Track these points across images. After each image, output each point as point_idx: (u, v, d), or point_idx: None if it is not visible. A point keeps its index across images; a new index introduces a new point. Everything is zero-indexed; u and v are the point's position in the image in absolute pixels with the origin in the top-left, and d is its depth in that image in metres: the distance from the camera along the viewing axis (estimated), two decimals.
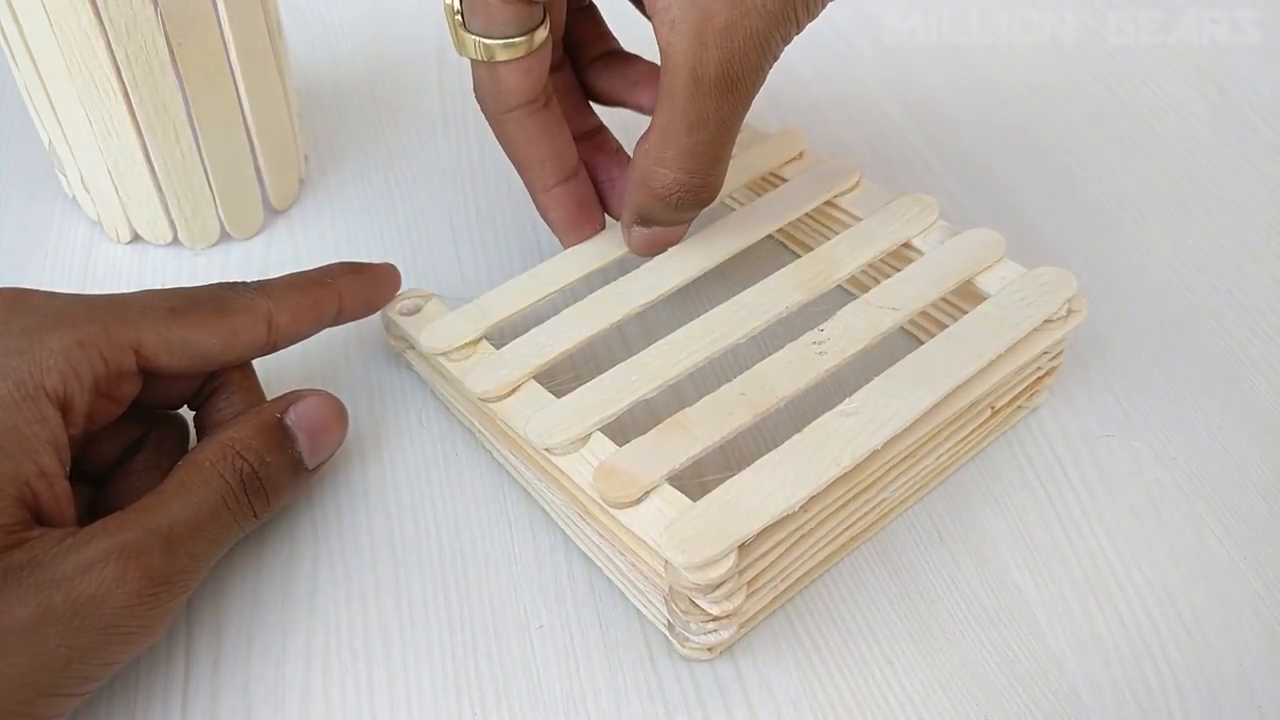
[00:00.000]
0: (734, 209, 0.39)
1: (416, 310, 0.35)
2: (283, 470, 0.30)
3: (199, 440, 0.32)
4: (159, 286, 0.41)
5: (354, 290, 0.34)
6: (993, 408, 0.33)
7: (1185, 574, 0.32)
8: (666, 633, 0.30)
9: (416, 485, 0.34)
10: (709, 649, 0.29)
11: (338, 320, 0.33)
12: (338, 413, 0.32)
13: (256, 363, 0.33)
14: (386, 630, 0.30)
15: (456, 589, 0.31)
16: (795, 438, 0.29)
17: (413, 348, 0.35)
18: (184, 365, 0.29)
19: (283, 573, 0.32)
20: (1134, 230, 0.43)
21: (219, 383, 0.31)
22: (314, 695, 0.29)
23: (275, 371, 0.36)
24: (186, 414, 0.33)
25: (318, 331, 0.33)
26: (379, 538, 0.33)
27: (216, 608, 0.31)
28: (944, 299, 0.35)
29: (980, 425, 0.33)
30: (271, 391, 0.33)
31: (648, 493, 0.28)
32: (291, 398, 0.31)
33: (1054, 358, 0.35)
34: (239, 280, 0.32)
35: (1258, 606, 0.31)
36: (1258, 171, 0.46)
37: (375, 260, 0.36)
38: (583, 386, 0.31)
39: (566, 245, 0.37)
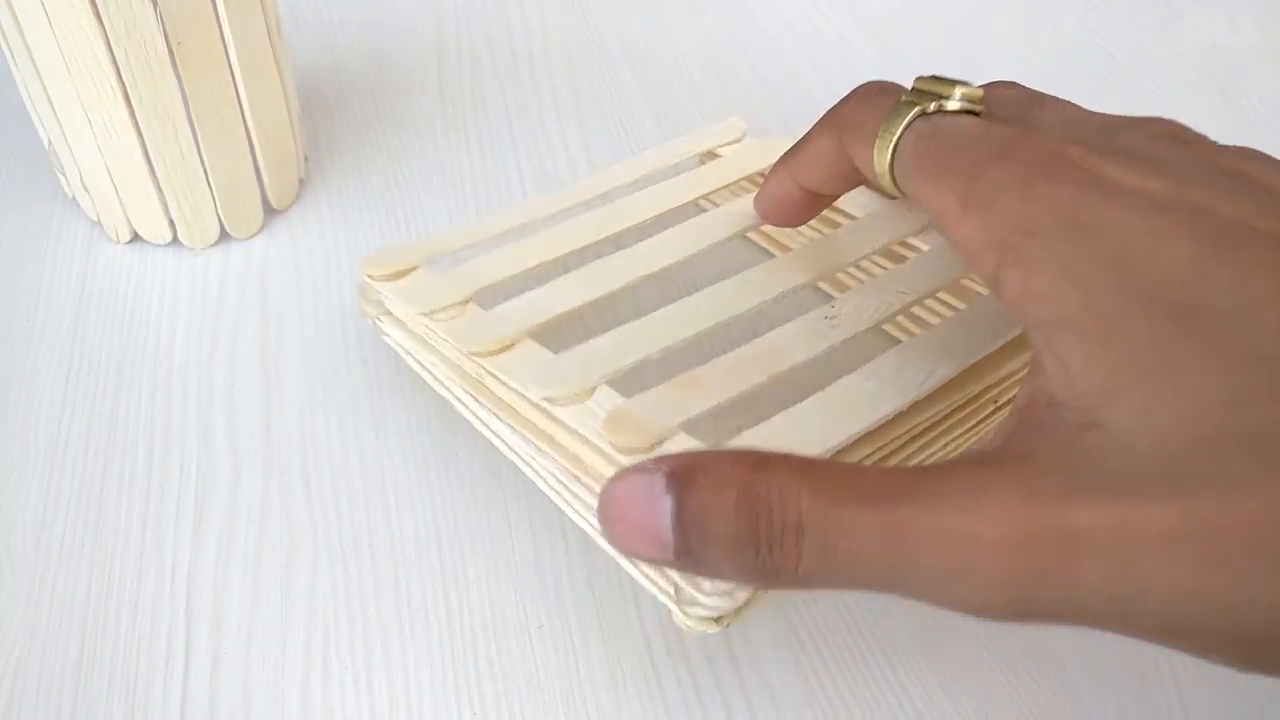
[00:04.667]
0: (707, 210, 0.38)
1: (398, 275, 0.33)
2: None
3: None
4: (159, 286, 0.41)
5: None
6: (995, 402, 0.33)
7: None
8: (671, 603, 0.28)
9: (416, 485, 0.34)
10: (716, 619, 0.28)
11: None
12: None
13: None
14: (386, 630, 0.30)
15: (456, 589, 0.31)
16: (817, 395, 0.28)
17: (389, 313, 0.34)
18: None
19: (282, 571, 0.32)
20: None
21: None
22: (313, 694, 0.29)
23: (274, 372, 0.36)
24: None
25: None
26: (378, 537, 0.33)
27: (216, 606, 0.31)
28: (950, 293, 0.35)
29: (982, 420, 0.33)
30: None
31: (662, 441, 0.27)
32: None
33: None
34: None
35: None
36: None
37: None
38: (584, 343, 0.30)
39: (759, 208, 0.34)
